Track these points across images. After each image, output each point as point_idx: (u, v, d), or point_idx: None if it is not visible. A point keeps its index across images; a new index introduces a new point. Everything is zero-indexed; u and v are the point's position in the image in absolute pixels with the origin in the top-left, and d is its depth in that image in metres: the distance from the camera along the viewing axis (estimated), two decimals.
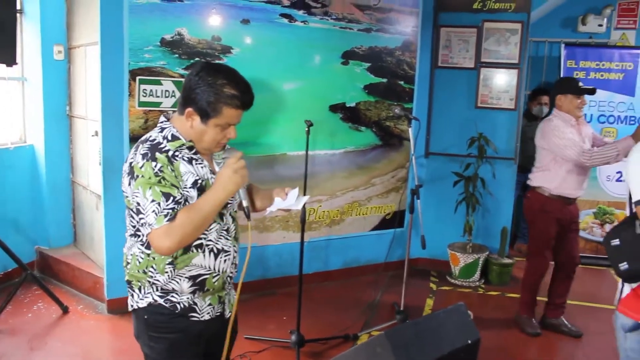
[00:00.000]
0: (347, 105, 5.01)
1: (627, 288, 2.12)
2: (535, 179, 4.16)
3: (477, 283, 5.29)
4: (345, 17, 4.88)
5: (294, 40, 4.65)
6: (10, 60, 3.85)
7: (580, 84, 4.08)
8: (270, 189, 2.23)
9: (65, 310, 4.26)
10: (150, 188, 1.83)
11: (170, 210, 1.81)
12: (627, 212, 2.22)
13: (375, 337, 2.88)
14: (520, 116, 5.43)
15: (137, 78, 4.05)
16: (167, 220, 1.80)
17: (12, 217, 4.73)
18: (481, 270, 5.30)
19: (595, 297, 4.98)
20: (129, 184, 1.88)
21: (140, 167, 1.85)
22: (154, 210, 1.82)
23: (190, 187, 1.89)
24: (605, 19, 6.37)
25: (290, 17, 4.61)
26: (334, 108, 4.93)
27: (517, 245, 6.38)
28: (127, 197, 1.91)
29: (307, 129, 3.69)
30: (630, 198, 2.13)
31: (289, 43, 4.63)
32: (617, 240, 2.09)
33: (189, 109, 1.90)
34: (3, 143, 4.73)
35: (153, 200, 1.82)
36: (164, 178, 1.83)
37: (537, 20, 6.17)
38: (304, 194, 3.72)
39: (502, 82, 5.36)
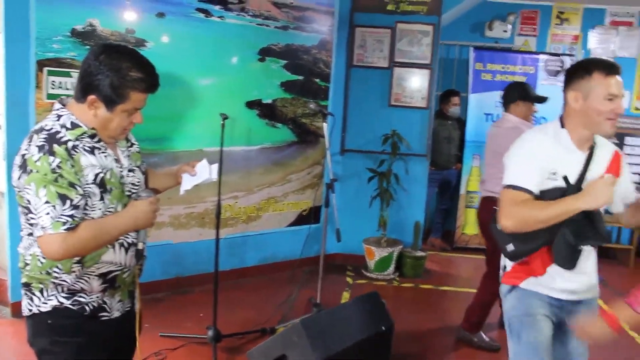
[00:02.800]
0: (264, 102, 5.02)
1: (509, 265, 2.35)
2: (490, 186, 3.81)
3: (392, 276, 5.45)
4: (262, 14, 4.90)
5: (210, 36, 4.61)
6: None
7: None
8: (170, 169, 2.17)
9: None
10: (44, 187, 1.67)
11: (69, 218, 1.68)
12: None
13: (291, 326, 2.94)
14: (432, 115, 5.65)
15: (45, 69, 3.88)
16: (66, 229, 1.67)
17: None
18: (395, 263, 5.46)
19: None
20: (19, 178, 1.71)
21: (35, 161, 1.68)
22: (48, 213, 1.67)
23: (91, 183, 1.76)
24: (510, 26, 6.73)
25: (206, 12, 4.57)
26: (250, 104, 4.94)
27: (430, 240, 6.62)
28: (19, 192, 1.75)
29: (222, 122, 3.67)
30: None
31: (205, 38, 4.59)
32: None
33: (92, 97, 1.77)
34: None
35: (47, 202, 1.67)
36: (61, 176, 1.68)
37: (447, 24, 6.43)
38: (219, 190, 3.73)
39: (414, 82, 5.56)
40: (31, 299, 1.85)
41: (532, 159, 2.18)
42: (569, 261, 2.18)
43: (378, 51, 5.57)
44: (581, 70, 2.17)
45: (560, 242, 2.14)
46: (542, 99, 4.03)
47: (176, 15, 4.43)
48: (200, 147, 4.63)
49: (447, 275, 5.78)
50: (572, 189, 2.14)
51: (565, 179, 2.16)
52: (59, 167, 1.69)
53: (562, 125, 2.24)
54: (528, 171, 2.16)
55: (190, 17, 4.50)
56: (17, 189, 1.76)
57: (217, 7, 4.62)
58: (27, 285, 1.86)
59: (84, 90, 1.79)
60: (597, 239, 2.17)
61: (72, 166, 1.71)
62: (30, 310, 1.86)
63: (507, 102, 4.02)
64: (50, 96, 3.92)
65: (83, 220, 1.74)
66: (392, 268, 5.45)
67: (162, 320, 4.09)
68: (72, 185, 1.70)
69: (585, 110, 2.15)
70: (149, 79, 1.81)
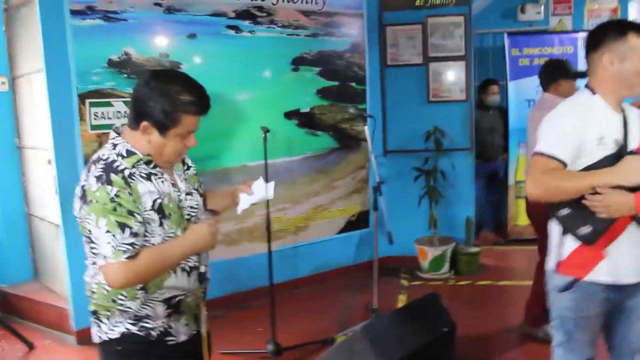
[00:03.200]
0: (302, 111, 5.02)
1: (567, 251, 2.19)
2: None
3: (447, 275, 5.35)
4: (292, 24, 4.90)
5: (242, 51, 4.64)
6: None
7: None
8: (227, 189, 2.16)
9: (30, 346, 4.12)
10: (104, 217, 1.69)
11: (130, 246, 1.70)
12: None
13: (352, 335, 2.91)
14: (473, 106, 5.54)
15: (87, 101, 3.97)
16: (127, 257, 1.69)
17: None
18: (450, 261, 5.36)
19: None
20: (80, 209, 1.74)
21: (94, 192, 1.70)
22: (109, 242, 1.69)
23: (149, 210, 1.77)
24: (542, 7, 6.57)
25: (236, 29, 4.60)
26: (288, 115, 4.94)
27: (482, 234, 6.48)
28: (81, 222, 1.78)
29: (263, 135, 3.68)
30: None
31: (237, 54, 4.62)
32: (567, 208, 2.11)
33: (145, 123, 1.77)
34: None
35: (108, 232, 1.69)
36: (120, 205, 1.69)
37: (478, 12, 6.31)
38: (267, 202, 3.73)
39: (451, 75, 5.47)
40: (99, 327, 1.87)
41: (563, 129, 2.11)
42: None
43: (411, 48, 5.50)
44: (614, 32, 2.10)
45: None
46: (583, 74, 3.83)
47: (207, 35, 4.47)
48: (244, 162, 4.65)
49: (504, 269, 5.64)
50: (625, 151, 2.07)
51: (618, 142, 2.09)
52: (117, 196, 1.70)
53: (594, 92, 2.17)
54: (559, 140, 2.09)
55: (221, 35, 4.54)
56: (79, 219, 1.78)
57: (246, 22, 4.65)
58: (95, 313, 1.88)
59: (137, 117, 1.80)
60: None
61: (130, 194, 1.73)
62: (100, 338, 1.88)
63: (547, 82, 3.83)
64: (94, 127, 4.00)
65: (143, 248, 1.75)
66: (446, 267, 5.35)
67: (221, 337, 4.09)
68: (130, 213, 1.72)
69: (622, 72, 2.09)
70: (200, 102, 1.80)
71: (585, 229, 2.08)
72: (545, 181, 2.03)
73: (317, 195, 5.17)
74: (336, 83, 5.21)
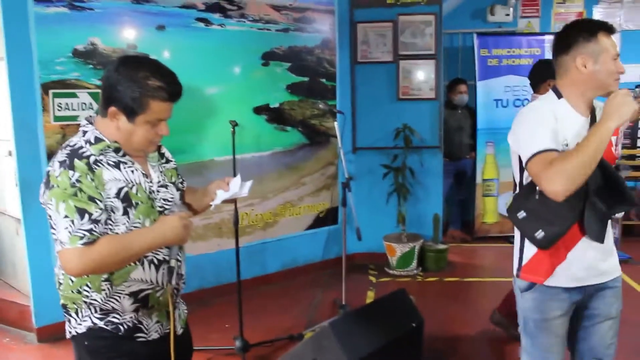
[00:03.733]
0: (271, 107, 4.98)
1: (527, 255, 2.19)
2: None
3: (415, 271, 5.37)
4: (262, 18, 4.86)
5: (212, 45, 4.58)
6: None
7: None
8: (207, 185, 2.09)
9: None
10: (64, 201, 1.64)
11: (87, 232, 1.64)
12: (517, 181, 2.23)
13: (320, 330, 2.88)
14: (442, 105, 5.58)
15: (50, 92, 3.86)
16: (83, 244, 1.63)
17: None
18: (418, 258, 5.39)
19: None
20: (44, 194, 1.70)
21: (57, 176, 1.67)
22: (66, 228, 1.64)
23: (114, 197, 1.72)
24: (511, 9, 6.65)
25: (206, 21, 4.54)
26: (258, 110, 4.90)
27: (450, 232, 6.54)
28: (45, 208, 1.73)
29: (232, 129, 3.63)
30: (520, 166, 2.14)
31: (207, 47, 4.56)
32: (523, 212, 2.07)
33: (113, 109, 1.73)
34: None
35: (66, 217, 1.64)
36: (80, 190, 1.65)
37: (448, 12, 6.37)
38: (235, 199, 3.68)
39: (421, 73, 5.50)
40: (69, 321, 1.84)
41: (541, 123, 2.05)
42: (601, 233, 2.07)
43: (382, 45, 5.51)
44: (585, 34, 2.05)
45: (590, 213, 2.02)
46: None
47: (176, 27, 4.40)
48: (212, 157, 4.60)
49: (471, 266, 5.69)
50: None
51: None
52: (78, 181, 1.67)
53: (559, 96, 2.13)
54: (542, 133, 2.01)
55: (191, 28, 4.47)
56: (43, 205, 1.73)
57: (216, 16, 4.59)
58: (64, 307, 1.84)
59: (106, 103, 1.76)
60: (627, 203, 2.08)
61: (92, 180, 1.69)
62: (70, 332, 1.84)
63: (537, 82, 3.79)
64: (57, 118, 3.90)
65: (104, 236, 1.69)
66: (414, 263, 5.38)
67: None
68: (91, 199, 1.67)
69: (596, 73, 2.04)
70: (169, 87, 1.75)
71: (539, 234, 2.04)
72: (557, 172, 1.89)
73: (285, 191, 5.14)
74: (306, 79, 5.19)
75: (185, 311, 2.08)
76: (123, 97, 1.72)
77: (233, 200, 2.06)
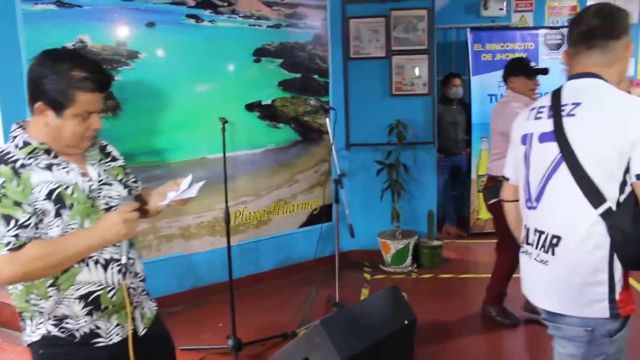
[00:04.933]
0: (263, 103, 4.94)
1: (619, 280, 1.79)
2: (494, 167, 3.92)
3: (410, 268, 5.35)
4: (254, 14, 4.81)
5: (202, 41, 4.54)
6: None
7: (533, 64, 4.00)
8: (161, 187, 2.02)
9: None
10: None
11: (13, 238, 1.59)
12: (611, 194, 1.74)
13: (311, 328, 2.85)
14: (435, 100, 5.55)
15: None
16: (9, 249, 1.58)
17: None
18: (412, 255, 5.36)
19: None
20: None
21: None
22: None
23: (43, 200, 1.66)
24: (505, 3, 6.61)
25: (197, 18, 4.50)
26: (250, 107, 4.86)
27: (445, 228, 6.52)
28: None
29: (222, 126, 3.60)
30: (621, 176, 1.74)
31: (198, 44, 4.51)
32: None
33: (39, 104, 1.68)
34: None
35: None
36: (5, 195, 1.60)
37: (441, 7, 6.34)
38: (226, 196, 3.66)
39: (414, 69, 5.45)
40: (25, 329, 1.78)
41: None
42: None
43: (374, 41, 5.48)
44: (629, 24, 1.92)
45: None
46: (536, 71, 3.96)
47: (166, 24, 4.35)
48: (203, 155, 4.56)
49: (466, 262, 5.67)
50: None
51: None
52: (2, 186, 1.62)
53: None
54: None
55: (181, 24, 4.43)
56: None
57: (207, 12, 4.55)
58: (20, 315, 1.78)
59: (32, 99, 1.71)
60: None
61: (18, 184, 1.64)
62: (26, 341, 1.79)
63: (505, 78, 4.07)
64: None
65: (33, 240, 1.64)
66: (409, 260, 5.36)
67: (180, 333, 3.98)
68: (17, 204, 1.62)
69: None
70: (94, 77, 1.71)
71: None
72: None
73: (278, 188, 5.11)
74: (298, 75, 5.15)
75: (154, 308, 2.02)
76: (48, 90, 1.67)
77: (184, 201, 1.97)
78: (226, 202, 3.65)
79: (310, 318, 4.24)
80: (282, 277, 5.17)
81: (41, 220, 1.67)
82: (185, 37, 4.45)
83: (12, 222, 1.60)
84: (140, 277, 1.91)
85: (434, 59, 5.46)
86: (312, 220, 5.36)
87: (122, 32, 4.18)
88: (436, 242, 5.47)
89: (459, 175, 6.53)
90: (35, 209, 1.65)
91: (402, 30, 5.45)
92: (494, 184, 3.71)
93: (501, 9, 6.64)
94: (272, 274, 5.15)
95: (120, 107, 4.10)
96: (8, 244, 1.59)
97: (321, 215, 5.39)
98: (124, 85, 4.16)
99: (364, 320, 3.03)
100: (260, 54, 4.88)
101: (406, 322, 3.18)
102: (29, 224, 1.63)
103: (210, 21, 4.57)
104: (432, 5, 5.38)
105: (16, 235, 1.60)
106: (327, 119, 3.95)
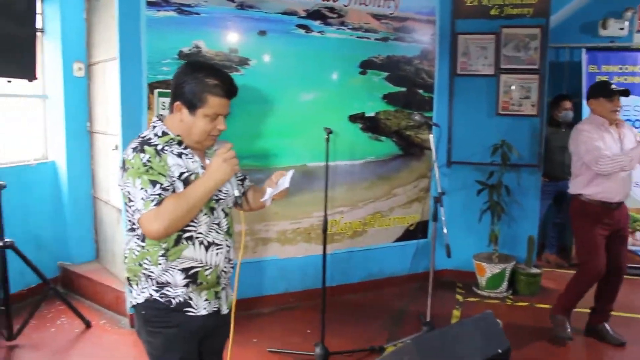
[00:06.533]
0: (367, 115, 4.96)
1: None
2: (572, 186, 4.11)
3: (505, 294, 5.16)
4: (362, 26, 4.85)
5: (311, 51, 4.63)
6: (31, 76, 3.87)
7: (613, 86, 3.97)
8: (263, 185, 2.29)
9: (88, 324, 4.25)
10: (139, 177, 1.92)
11: (157, 196, 1.90)
12: None
13: (403, 345, 2.81)
14: (544, 122, 5.34)
15: (156, 91, 4.05)
16: (154, 205, 1.89)
17: (35, 233, 4.74)
18: (508, 280, 5.17)
19: (630, 308, 4.81)
20: (122, 177, 1.97)
21: (131, 160, 1.95)
22: (142, 197, 1.90)
23: (176, 178, 1.98)
24: (627, 22, 6.25)
25: (306, 28, 4.60)
26: (353, 118, 4.89)
27: (544, 255, 6.24)
28: (122, 190, 1.98)
29: (326, 136, 3.64)
30: None
31: (306, 54, 4.61)
32: None
33: (177, 103, 2.03)
34: (25, 160, 4.76)
35: (142, 188, 1.91)
36: (151, 167, 1.93)
37: (556, 25, 6.10)
38: (325, 205, 3.70)
39: (523, 88, 5.28)
40: (131, 292, 2.09)
41: None
42: None
43: (482, 58, 5.36)
44: None
45: None
46: (616, 93, 3.92)
47: (277, 33, 4.48)
48: (304, 163, 4.63)
49: None
50: None
51: None
52: (149, 161, 1.94)
53: None
54: None
55: (291, 34, 4.54)
56: (120, 187, 2.00)
57: (317, 23, 4.64)
58: (127, 280, 2.10)
59: (173, 99, 2.05)
60: None
61: (160, 161, 1.96)
62: (131, 302, 2.11)
63: (587, 100, 4.17)
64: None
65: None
66: (504, 285, 5.16)
67: (269, 335, 4.09)
68: (161, 174, 1.95)
69: None
70: (224, 85, 2.02)
71: None
72: None
73: (376, 201, 5.09)
74: (403, 89, 5.13)
75: (232, 295, 2.26)
76: (186, 92, 2.01)
77: (282, 194, 2.26)
78: (325, 210, 3.69)
79: (399, 335, 4.19)
80: (373, 289, 5.13)
81: (174, 191, 1.98)
82: (294, 46, 4.56)
83: (157, 186, 1.93)
84: (231, 264, 2.19)
85: (545, 80, 5.25)
86: (407, 235, 5.30)
87: (234, 40, 4.34)
88: (535, 270, 5.24)
89: (563, 201, 6.21)
90: (172, 182, 1.97)
91: (512, 49, 5.29)
92: None
93: (622, 29, 6.28)
94: (362, 285, 5.13)
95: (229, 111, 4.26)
96: (153, 200, 1.91)
97: (417, 231, 5.32)
98: None
99: (456, 344, 2.95)
100: (366, 66, 4.91)
101: (500, 350, 3.06)
102: (169, 189, 1.95)
103: (319, 32, 4.65)
104: (547, 23, 5.19)
105: (159, 194, 1.92)
106: (431, 135, 3.90)
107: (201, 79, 1.99)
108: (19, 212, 4.52)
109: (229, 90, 2.04)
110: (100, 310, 4.56)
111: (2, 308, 3.76)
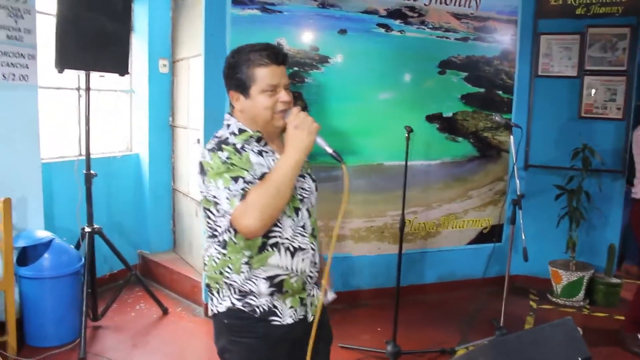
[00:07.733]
0: (444, 116, 4.91)
1: None
2: (636, 191, 4.01)
3: (582, 303, 4.99)
4: (442, 26, 4.81)
5: (390, 50, 4.63)
6: (124, 71, 4.08)
7: None
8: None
9: (165, 311, 4.42)
10: (220, 177, 1.76)
11: (242, 191, 1.74)
12: None
13: (478, 347, 2.77)
14: (630, 127, 5.12)
15: None
16: (239, 201, 1.73)
17: (117, 221, 4.97)
18: (586, 289, 5.00)
19: None
20: (203, 182, 1.83)
21: (209, 161, 1.80)
22: (226, 197, 1.75)
23: (259, 178, 1.80)
24: None
25: (387, 27, 4.60)
26: (430, 118, 4.86)
27: (624, 266, 5.98)
28: (204, 196, 1.86)
29: (407, 134, 3.62)
30: None
31: (385, 53, 4.61)
32: None
33: (230, 92, 1.90)
34: (111, 151, 4.99)
35: (225, 187, 1.75)
36: (233, 164, 1.77)
37: None
38: (403, 204, 3.69)
39: (608, 91, 5.08)
40: (212, 300, 1.96)
41: None
42: None
43: (566, 59, 5.20)
44: None
45: None
46: None
47: (358, 32, 4.51)
48: (381, 161, 4.64)
49: None
50: None
51: None
52: (228, 158, 1.78)
53: None
54: None
55: (371, 33, 4.55)
56: (202, 193, 1.87)
57: (397, 22, 4.63)
58: (208, 287, 1.98)
59: (227, 90, 1.92)
60: None
61: (241, 158, 1.80)
62: (212, 310, 1.97)
63: None
64: None
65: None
66: (581, 294, 5.00)
67: (340, 331, 4.07)
68: (243, 169, 1.78)
69: None
70: (265, 52, 1.85)
71: None
72: None
73: (450, 202, 5.04)
74: (482, 90, 5.05)
75: (318, 299, 2.07)
76: (234, 77, 1.87)
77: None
78: (402, 210, 3.69)
79: (470, 338, 4.13)
80: (444, 291, 5.09)
81: None
82: (374, 45, 4.57)
83: (240, 180, 1.76)
84: (317, 268, 2.02)
85: (633, 82, 5.04)
86: (480, 238, 5.21)
87: (315, 38, 4.40)
88: (615, 280, 5.04)
89: None
90: (256, 178, 1.81)
91: (598, 49, 5.11)
92: None
93: None
94: (434, 287, 5.09)
95: (308, 108, 4.33)
96: (236, 196, 1.74)
97: (491, 234, 5.23)
98: (313, 88, 4.38)
99: (534, 350, 2.88)
100: (445, 66, 4.86)
101: (580, 359, 2.98)
102: (253, 182, 1.78)
103: (399, 31, 4.65)
104: (637, 23, 4.98)
105: (243, 189, 1.75)
106: (511, 137, 3.83)
107: (244, 58, 1.85)
108: (104, 200, 4.75)
109: (273, 55, 1.85)
110: (177, 298, 4.73)
111: (89, 290, 3.96)
